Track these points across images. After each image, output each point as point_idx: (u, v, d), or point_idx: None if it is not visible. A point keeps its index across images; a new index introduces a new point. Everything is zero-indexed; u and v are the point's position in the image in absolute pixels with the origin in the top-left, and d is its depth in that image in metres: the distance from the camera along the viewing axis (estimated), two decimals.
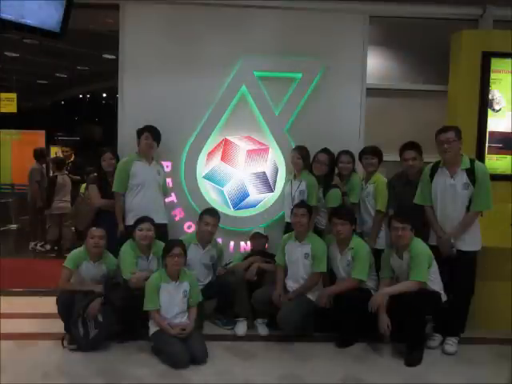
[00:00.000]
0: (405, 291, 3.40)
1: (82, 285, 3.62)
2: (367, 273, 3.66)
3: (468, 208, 3.52)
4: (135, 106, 4.61)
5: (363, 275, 3.63)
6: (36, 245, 6.94)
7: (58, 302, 3.55)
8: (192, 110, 4.60)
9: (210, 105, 4.59)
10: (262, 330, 3.83)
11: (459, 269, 3.57)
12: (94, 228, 3.70)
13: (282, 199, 4.46)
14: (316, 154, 4.18)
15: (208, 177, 4.65)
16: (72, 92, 16.34)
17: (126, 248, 3.74)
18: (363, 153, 4.15)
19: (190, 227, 4.64)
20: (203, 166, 4.65)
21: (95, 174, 4.44)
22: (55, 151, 10.35)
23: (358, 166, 4.26)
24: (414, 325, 3.38)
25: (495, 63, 4.51)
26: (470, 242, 3.57)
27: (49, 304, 3.71)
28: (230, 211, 4.66)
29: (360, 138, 4.72)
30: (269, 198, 4.69)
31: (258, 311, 3.88)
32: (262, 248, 4.34)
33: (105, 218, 4.13)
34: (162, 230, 4.02)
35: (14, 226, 8.54)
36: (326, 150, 4.18)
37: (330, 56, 4.65)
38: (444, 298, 3.53)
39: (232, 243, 4.68)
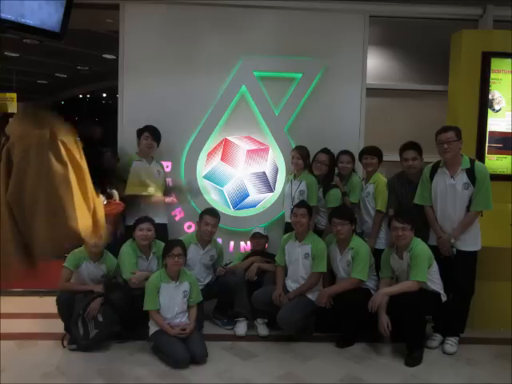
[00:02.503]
0: (405, 291, 3.40)
1: (82, 285, 3.63)
2: (367, 273, 3.66)
3: (468, 208, 3.53)
4: (135, 106, 4.60)
5: (363, 275, 3.63)
6: None
7: (57, 301, 3.55)
8: (192, 110, 4.60)
9: (209, 105, 4.59)
10: (262, 330, 3.83)
11: (459, 269, 3.57)
12: None
13: (282, 199, 4.46)
14: (316, 154, 4.18)
15: (208, 177, 4.65)
16: (72, 92, 16.31)
17: (126, 248, 3.74)
18: (363, 153, 4.15)
19: (190, 227, 4.64)
20: (203, 166, 4.65)
21: None
22: None
23: (358, 166, 4.26)
24: (414, 325, 3.38)
25: (495, 63, 4.50)
26: (470, 242, 3.57)
27: (49, 304, 3.71)
28: (230, 211, 4.65)
29: (360, 138, 4.72)
30: (269, 198, 4.69)
31: (258, 311, 3.87)
32: (262, 248, 4.34)
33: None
34: (162, 230, 4.02)
35: None
36: (325, 150, 4.17)
37: (330, 56, 4.65)
38: (444, 298, 3.52)
39: (232, 243, 4.68)
